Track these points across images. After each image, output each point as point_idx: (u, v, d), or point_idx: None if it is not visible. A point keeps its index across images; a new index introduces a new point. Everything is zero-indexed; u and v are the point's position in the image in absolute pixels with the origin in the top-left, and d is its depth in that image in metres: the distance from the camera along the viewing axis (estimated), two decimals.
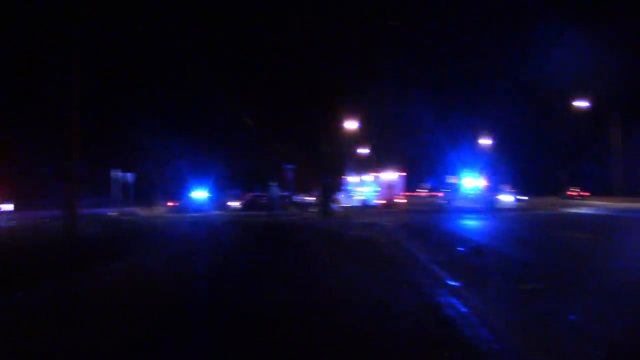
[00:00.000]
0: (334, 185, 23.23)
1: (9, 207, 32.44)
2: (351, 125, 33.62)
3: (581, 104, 40.61)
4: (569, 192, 53.45)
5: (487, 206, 25.56)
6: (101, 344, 4.48)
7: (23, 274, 7.50)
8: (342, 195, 38.00)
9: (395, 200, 34.57)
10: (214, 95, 34.20)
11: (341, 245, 12.38)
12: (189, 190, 37.38)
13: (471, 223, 18.80)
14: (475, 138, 54.51)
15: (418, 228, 17.17)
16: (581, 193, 53.32)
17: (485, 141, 53.37)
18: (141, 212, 29.42)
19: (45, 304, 6.10)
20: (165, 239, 13.60)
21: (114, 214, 25.27)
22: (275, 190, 24.15)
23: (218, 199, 35.36)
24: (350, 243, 12.89)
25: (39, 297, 6.33)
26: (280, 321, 5.21)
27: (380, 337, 4.61)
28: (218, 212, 31.27)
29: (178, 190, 43.88)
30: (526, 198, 29.87)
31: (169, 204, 36.30)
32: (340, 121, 37.18)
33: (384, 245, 11.58)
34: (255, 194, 35.14)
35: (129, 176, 23.00)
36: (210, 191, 36.35)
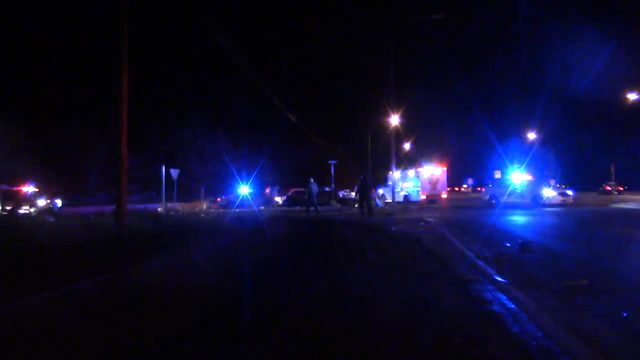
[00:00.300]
0: (369, 182, 22.93)
1: (59, 202, 33.53)
2: (394, 120, 33.39)
3: (630, 96, 39.51)
4: (606, 187, 52.34)
5: (533, 202, 25.09)
6: (153, 335, 4.63)
7: (74, 267, 7.75)
8: (384, 191, 37.92)
9: (438, 196, 34.31)
10: (259, 93, 34.54)
11: (384, 241, 12.37)
12: (233, 186, 37.97)
13: (517, 219, 18.50)
14: (521, 132, 53.63)
15: (463, 224, 17.00)
16: (619, 188, 52.09)
17: (531, 135, 52.46)
18: (187, 207, 29.96)
19: (97, 296, 6.32)
20: (210, 234, 13.81)
21: (161, 209, 25.79)
22: (313, 186, 24.18)
23: (262, 195, 35.77)
24: (393, 239, 12.86)
25: (91, 290, 6.55)
26: (323, 316, 5.28)
27: (424, 332, 4.62)
28: (262, 208, 31.60)
29: (223, 186, 44.65)
30: (572, 193, 29.16)
31: (218, 200, 36.96)
32: (383, 116, 37.09)
33: (428, 240, 11.51)
34: (298, 189, 35.36)
35: (174, 172, 23.46)
36: (254, 187, 36.80)
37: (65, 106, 44.47)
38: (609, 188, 51.96)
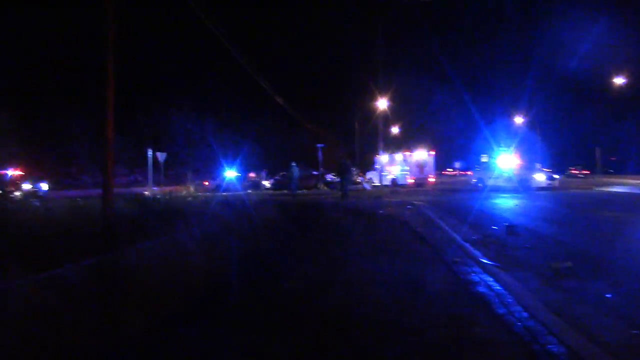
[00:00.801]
0: (349, 166, 23.30)
1: (44, 186, 33.28)
2: (382, 104, 33.39)
3: (616, 81, 39.84)
4: (572, 171, 53.79)
5: (520, 185, 25.26)
6: (139, 320, 4.62)
7: (59, 251, 7.69)
8: (372, 175, 38.00)
9: (426, 179, 34.46)
10: (247, 77, 34.32)
11: (372, 224, 12.41)
12: (220, 170, 37.85)
13: (504, 202, 18.63)
14: (509, 116, 53.85)
15: (450, 207, 17.08)
16: (583, 172, 53.53)
17: (518, 119, 52.69)
18: (174, 191, 29.84)
19: (83, 281, 6.27)
20: (198, 217, 13.77)
21: (148, 192, 25.67)
22: (294, 170, 24.51)
23: (247, 179, 35.74)
24: (381, 222, 12.91)
25: (76, 275, 6.50)
26: (311, 300, 5.31)
27: (412, 313, 4.67)
28: (249, 191, 31.55)
29: (210, 170, 44.50)
30: (558, 177, 29.40)
31: (205, 183, 36.87)
32: (371, 100, 37.07)
33: (415, 224, 11.58)
34: (284, 173, 35.37)
35: (160, 155, 23.33)
36: (242, 171, 36.72)
37: (51, 89, 43.95)
38: (575, 172, 53.50)
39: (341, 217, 14.51)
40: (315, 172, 36.28)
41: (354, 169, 37.87)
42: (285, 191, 25.74)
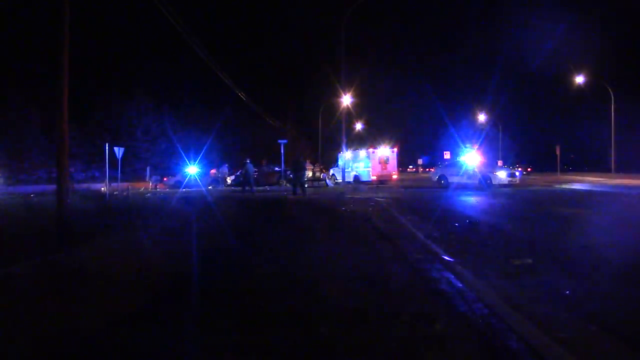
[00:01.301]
0: (303, 163, 23.74)
1: None
2: (345, 100, 33.45)
3: (578, 79, 40.85)
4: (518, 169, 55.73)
5: (482, 182, 25.68)
6: (93, 320, 4.53)
7: (10, 249, 7.50)
8: (334, 171, 38.08)
9: (389, 176, 34.68)
10: (209, 71, 33.97)
11: (334, 221, 12.45)
12: (181, 165, 37.43)
13: (466, 199, 18.90)
14: (473, 113, 54.73)
15: (413, 204, 17.25)
16: (528, 169, 55.29)
17: (481, 117, 53.59)
18: (132, 187, 29.37)
19: (35, 280, 6.12)
20: (156, 214, 13.60)
21: (105, 189, 25.21)
22: (249, 167, 24.83)
23: (208, 175, 35.43)
24: (344, 219, 12.96)
25: (28, 273, 6.34)
26: (272, 298, 5.29)
27: (374, 310, 4.69)
28: (210, 188, 31.28)
29: (170, 166, 43.99)
30: (518, 174, 29.98)
31: (164, 179, 36.47)
32: (335, 96, 37.14)
33: (378, 220, 11.65)
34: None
35: (118, 150, 22.86)
36: (203, 167, 36.35)
37: (2, 80, 42.65)
38: (520, 169, 55.50)
39: (302, 214, 14.51)
40: (277, 169, 36.19)
41: (315, 165, 37.97)
42: (247, 188, 25.59)
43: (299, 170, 22.65)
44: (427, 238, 8.77)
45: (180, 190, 29.21)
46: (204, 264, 7.00)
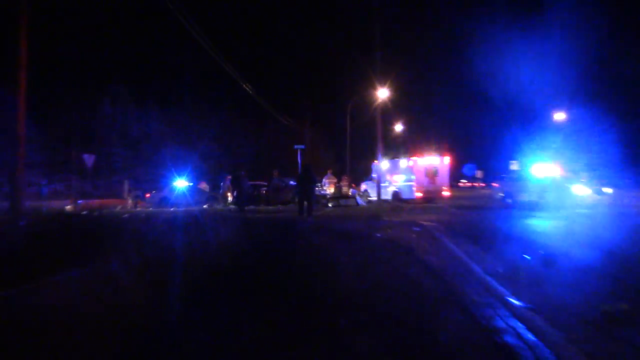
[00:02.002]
0: (313, 175, 22.99)
1: None
2: (381, 94, 33.39)
3: None
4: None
5: (560, 201, 25.39)
6: None
7: None
8: (367, 186, 38.00)
9: (438, 193, 34.47)
10: (207, 59, 34.22)
11: (366, 252, 12.34)
12: (168, 178, 37.60)
13: (540, 223, 18.69)
14: (546, 112, 54.15)
15: (470, 229, 17.10)
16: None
17: (559, 116, 52.89)
18: (106, 205, 29.61)
19: None
20: (136, 241, 13.65)
21: (71, 207, 25.46)
22: (244, 181, 24.90)
23: (198, 190, 35.56)
24: (379, 249, 12.85)
25: None
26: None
27: None
28: (205, 207, 31.41)
29: (154, 178, 44.20)
30: (611, 191, 29.56)
31: (147, 195, 36.63)
32: (368, 90, 37.11)
33: (424, 251, 11.55)
34: (255, 183, 35.23)
35: (88, 158, 22.98)
36: (199, 179, 36.55)
37: None
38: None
39: (326, 242, 14.43)
40: (292, 183, 36.27)
41: (342, 177, 37.78)
42: (253, 207, 25.68)
43: (307, 181, 22.06)
44: (488, 274, 8.66)
45: (167, 209, 29.38)
46: (191, 312, 6.98)
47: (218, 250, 12.77)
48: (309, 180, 22.11)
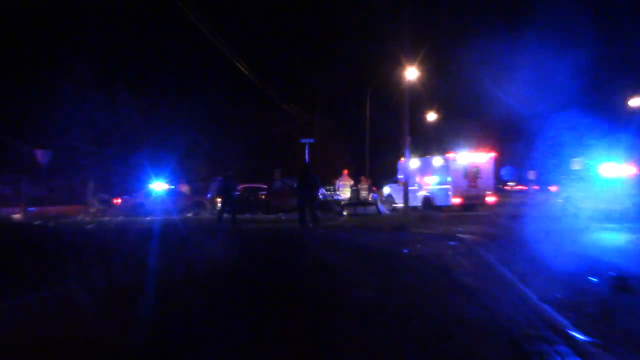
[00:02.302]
0: (314, 176, 22.91)
1: None
2: (411, 74, 33.23)
3: None
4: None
5: (637, 209, 25.21)
6: None
7: None
8: (392, 189, 37.98)
9: (481, 198, 34.37)
10: (193, 33, 34.19)
11: (391, 273, 12.31)
12: (144, 179, 37.64)
13: (611, 237, 18.61)
14: (619, 98, 53.80)
15: (520, 244, 17.00)
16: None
17: (636, 102, 52.39)
18: (64, 213, 29.67)
19: None
20: (102, 259, 13.67)
21: (20, 216, 25.55)
22: (230, 184, 24.92)
23: (180, 195, 35.62)
24: (407, 268, 12.86)
25: None
26: None
27: None
28: (189, 215, 31.49)
29: (126, 180, 44.24)
30: None
31: (117, 201, 36.65)
32: (392, 71, 36.96)
33: (462, 272, 11.53)
34: (250, 185, 35.28)
35: (42, 155, 22.93)
36: (182, 181, 36.62)
37: None
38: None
39: (340, 260, 14.39)
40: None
41: (361, 179, 37.71)
42: (249, 216, 25.70)
43: (307, 184, 22.01)
44: (546, 301, 8.62)
45: (143, 218, 29.44)
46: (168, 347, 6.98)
47: (202, 273, 12.74)
48: (309, 182, 22.11)
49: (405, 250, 15.34)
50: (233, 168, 27.10)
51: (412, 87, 35.05)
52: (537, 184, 79.53)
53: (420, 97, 43.20)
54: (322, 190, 36.90)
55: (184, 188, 36.97)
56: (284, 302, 9.42)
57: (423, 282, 11.00)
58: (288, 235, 20.86)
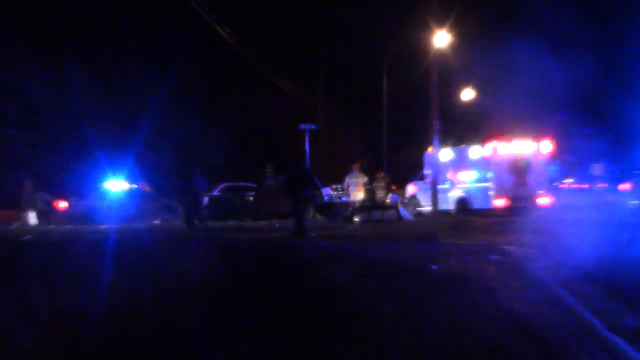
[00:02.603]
0: (304, 172, 23.11)
1: None
2: (440, 40, 33.22)
3: None
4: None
5: None
6: None
7: None
8: (418, 188, 37.98)
9: (532, 199, 34.34)
10: None
11: (417, 295, 12.26)
12: (95, 176, 37.67)
13: None
14: None
15: (582, 259, 16.99)
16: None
17: None
18: None
19: None
20: (44, 281, 13.68)
21: None
22: (199, 181, 24.95)
23: (146, 190, 35.66)
24: (436, 289, 12.81)
25: None
26: None
27: None
28: (157, 222, 31.60)
29: (74, 178, 44.23)
30: None
31: (61, 205, 36.59)
32: (416, 38, 36.99)
33: (508, 294, 11.49)
34: (232, 184, 35.37)
35: None
36: (148, 179, 36.73)
37: None
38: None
39: (355, 281, 14.30)
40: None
41: (377, 177, 37.64)
42: (233, 222, 25.76)
43: (300, 184, 22.20)
44: (616, 331, 8.55)
45: (97, 226, 29.50)
46: None
47: (172, 300, 12.69)
48: (302, 182, 22.35)
49: (434, 266, 15.29)
50: (195, 163, 26.88)
51: (442, 58, 35.05)
52: (604, 181, 79.72)
53: (452, 71, 42.97)
54: (327, 191, 37.05)
55: (147, 188, 36.96)
56: (271, 340, 9.34)
57: (457, 308, 10.92)
58: (281, 248, 20.85)
